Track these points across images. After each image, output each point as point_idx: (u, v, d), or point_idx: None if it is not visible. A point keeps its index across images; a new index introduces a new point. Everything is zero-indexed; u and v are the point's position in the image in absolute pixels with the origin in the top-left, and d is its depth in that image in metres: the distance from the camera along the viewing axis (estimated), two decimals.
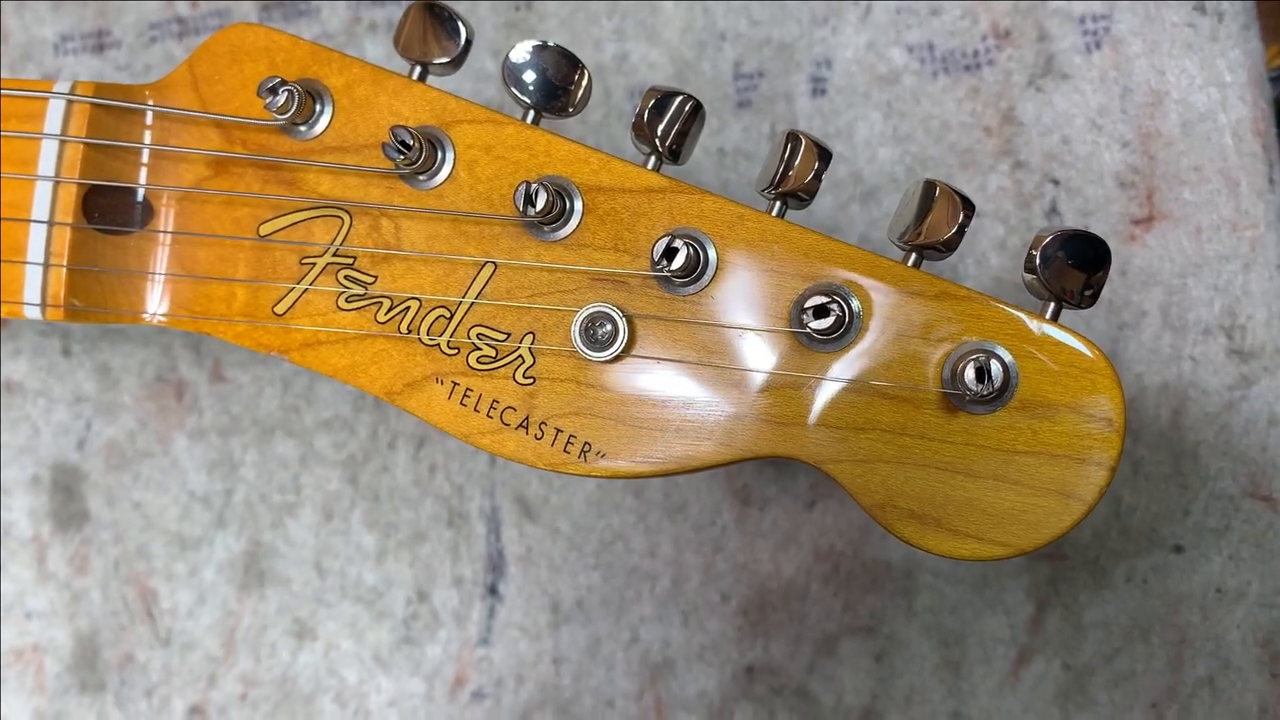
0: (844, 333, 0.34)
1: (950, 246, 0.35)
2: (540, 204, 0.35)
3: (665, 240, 0.35)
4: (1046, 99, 0.55)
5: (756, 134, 0.57)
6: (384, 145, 0.36)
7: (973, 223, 0.54)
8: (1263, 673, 0.53)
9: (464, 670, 0.57)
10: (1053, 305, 0.35)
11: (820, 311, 0.34)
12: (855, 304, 0.35)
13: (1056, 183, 0.55)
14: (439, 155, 0.37)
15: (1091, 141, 0.55)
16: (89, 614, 0.59)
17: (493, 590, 0.57)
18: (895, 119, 0.56)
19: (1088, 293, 0.34)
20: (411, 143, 0.36)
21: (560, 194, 0.36)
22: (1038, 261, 0.34)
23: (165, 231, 0.39)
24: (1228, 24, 0.55)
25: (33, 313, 0.39)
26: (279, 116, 0.37)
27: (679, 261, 0.35)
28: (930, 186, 0.35)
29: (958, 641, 0.54)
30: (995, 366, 0.33)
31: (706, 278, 0.35)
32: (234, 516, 0.58)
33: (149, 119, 0.39)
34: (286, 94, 0.37)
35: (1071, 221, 0.55)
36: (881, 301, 0.34)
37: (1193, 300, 0.54)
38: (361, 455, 0.58)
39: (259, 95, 0.37)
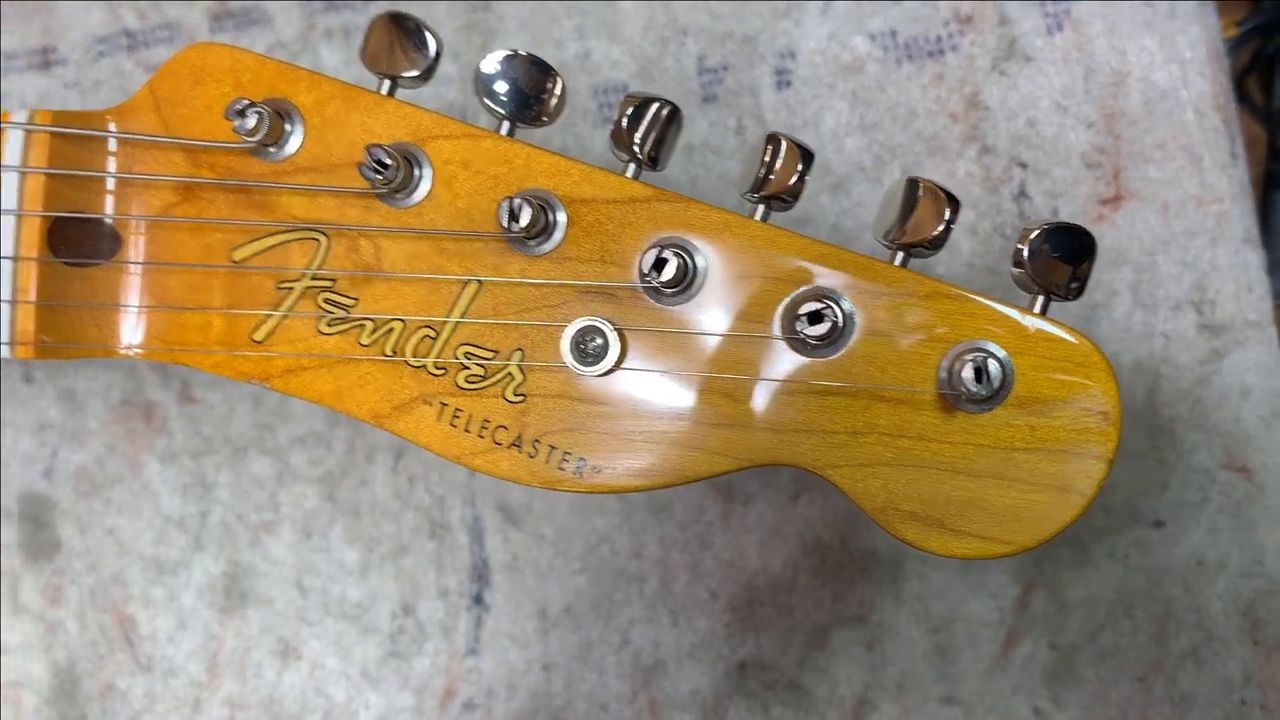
0: (838, 337, 0.34)
1: (937, 244, 0.35)
2: (525, 219, 0.34)
3: (654, 251, 0.34)
4: (1011, 82, 0.55)
5: (723, 128, 0.56)
6: (360, 165, 0.35)
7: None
8: (1245, 641, 0.54)
9: (453, 682, 0.56)
10: (1042, 299, 0.35)
11: (815, 318, 0.33)
12: (848, 307, 0.34)
13: (1024, 166, 0.55)
14: (416, 172, 0.36)
15: (1057, 123, 0.55)
16: (66, 645, 0.57)
17: (478, 600, 0.56)
18: (861, 108, 0.56)
19: (1074, 285, 0.35)
20: (389, 161, 0.35)
21: (543, 207, 0.35)
22: (1025, 255, 0.34)
23: (135, 262, 0.37)
24: (1184, 0, 0.55)
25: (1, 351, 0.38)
26: (248, 139, 0.36)
27: (669, 273, 0.34)
28: (913, 184, 0.35)
29: (946, 626, 0.55)
30: (993, 366, 0.33)
31: (696, 286, 0.35)
32: (211, 538, 0.57)
33: (112, 145, 0.38)
34: (256, 116, 0.35)
35: (1041, 204, 0.55)
36: (874, 304, 0.34)
37: (1162, 277, 0.54)
38: (339, 470, 0.57)
39: (227, 118, 0.35)
